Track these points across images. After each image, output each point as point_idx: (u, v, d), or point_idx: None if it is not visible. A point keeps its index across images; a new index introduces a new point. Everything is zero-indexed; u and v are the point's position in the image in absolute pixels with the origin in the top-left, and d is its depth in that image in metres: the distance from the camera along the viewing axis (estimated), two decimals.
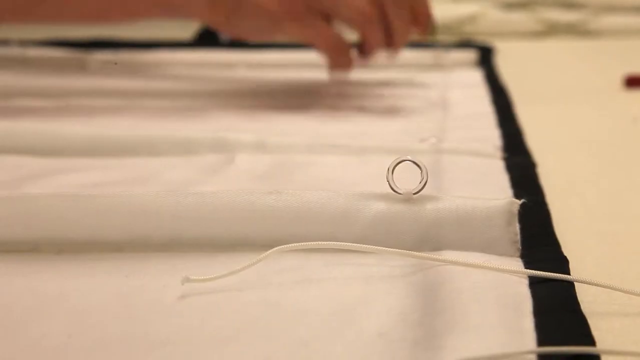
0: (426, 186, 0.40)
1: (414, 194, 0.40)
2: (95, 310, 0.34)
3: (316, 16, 0.72)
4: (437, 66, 0.90)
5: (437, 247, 0.39)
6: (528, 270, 0.36)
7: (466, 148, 0.55)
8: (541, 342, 0.30)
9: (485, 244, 0.38)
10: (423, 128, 0.64)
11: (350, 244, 0.38)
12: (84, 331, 0.33)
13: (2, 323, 0.33)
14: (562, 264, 0.37)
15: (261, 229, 0.40)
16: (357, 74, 0.80)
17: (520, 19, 1.22)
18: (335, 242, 0.38)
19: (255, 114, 0.70)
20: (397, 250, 0.37)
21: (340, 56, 0.74)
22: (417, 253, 0.37)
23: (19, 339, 0.32)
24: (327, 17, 0.73)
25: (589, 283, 0.35)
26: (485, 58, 0.94)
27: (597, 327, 0.33)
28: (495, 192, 0.47)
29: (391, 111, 0.72)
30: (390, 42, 0.74)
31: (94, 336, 0.32)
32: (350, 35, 0.75)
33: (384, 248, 0.37)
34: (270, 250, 0.36)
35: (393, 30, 0.73)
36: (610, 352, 0.31)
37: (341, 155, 0.56)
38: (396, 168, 0.40)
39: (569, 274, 0.36)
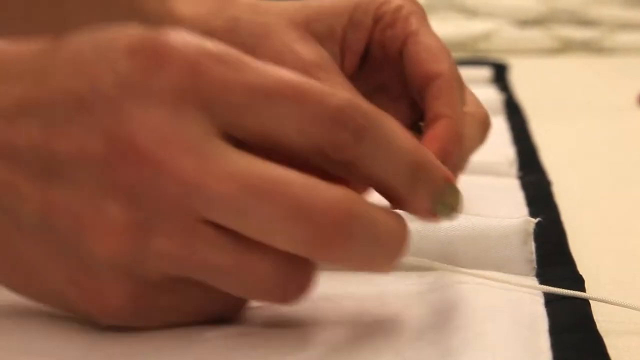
0: None
1: None
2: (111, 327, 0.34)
3: None
4: None
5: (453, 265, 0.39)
6: (543, 287, 0.36)
7: (481, 166, 0.55)
8: None
9: (501, 262, 0.38)
10: None
11: None
12: (101, 347, 0.33)
13: (20, 339, 0.33)
14: (577, 282, 0.37)
15: None
16: None
17: (534, 36, 1.22)
18: None
19: None
20: (416, 258, 0.37)
21: None
22: (438, 263, 0.37)
23: (37, 356, 0.32)
24: None
25: (605, 301, 0.35)
26: (500, 75, 0.94)
27: (614, 346, 0.33)
28: (511, 210, 0.47)
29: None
30: None
31: (112, 352, 0.32)
32: None
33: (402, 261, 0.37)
34: None
35: None
36: None
37: None
38: None
39: (584, 292, 0.36)
